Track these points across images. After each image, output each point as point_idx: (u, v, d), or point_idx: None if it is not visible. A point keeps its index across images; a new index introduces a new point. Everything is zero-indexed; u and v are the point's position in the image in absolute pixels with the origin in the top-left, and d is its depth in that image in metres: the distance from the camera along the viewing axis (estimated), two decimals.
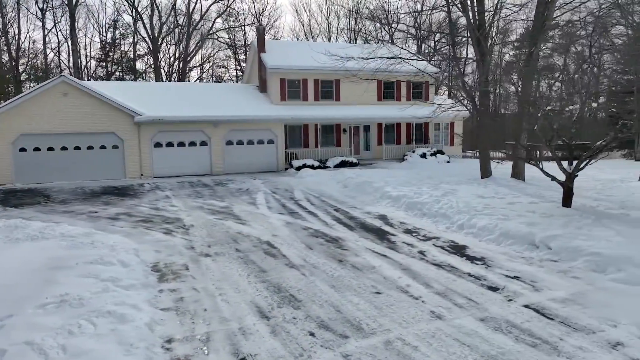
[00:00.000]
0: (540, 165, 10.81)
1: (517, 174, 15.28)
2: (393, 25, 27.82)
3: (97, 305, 5.07)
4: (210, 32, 36.07)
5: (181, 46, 35.76)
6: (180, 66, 35.74)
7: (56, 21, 33.02)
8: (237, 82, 39.64)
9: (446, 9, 15.28)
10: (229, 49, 40.21)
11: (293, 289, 6.40)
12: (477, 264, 7.45)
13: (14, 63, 31.98)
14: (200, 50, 38.35)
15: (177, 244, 8.96)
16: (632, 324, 5.13)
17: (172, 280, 6.84)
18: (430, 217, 10.89)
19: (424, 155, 23.19)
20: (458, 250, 8.29)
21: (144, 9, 34.99)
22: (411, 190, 13.52)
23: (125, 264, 6.79)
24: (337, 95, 24.43)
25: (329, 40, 44.16)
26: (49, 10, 32.72)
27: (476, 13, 14.45)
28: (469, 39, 15.57)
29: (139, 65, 36.83)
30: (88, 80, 33.12)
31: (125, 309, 5.06)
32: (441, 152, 24.21)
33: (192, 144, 21.04)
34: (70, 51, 30.29)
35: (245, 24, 40.04)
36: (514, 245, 8.35)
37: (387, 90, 25.52)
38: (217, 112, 21.00)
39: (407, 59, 16.33)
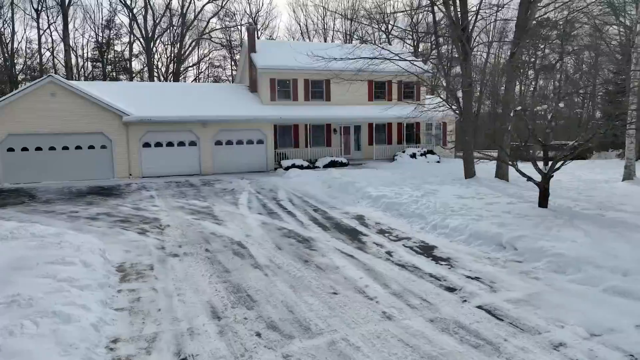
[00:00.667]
0: (517, 166, 10.80)
1: (502, 174, 15.27)
2: (388, 25, 27.84)
3: (45, 305, 5.09)
4: (204, 32, 36.12)
5: (175, 46, 35.89)
6: (175, 66, 35.82)
7: (50, 22, 33.17)
8: (233, 82, 39.70)
9: (430, 9, 15.27)
10: (224, 49, 40.30)
11: (252, 289, 6.42)
12: (442, 264, 7.45)
13: (7, 63, 32.13)
14: (197, 50, 38.48)
15: (149, 244, 9.00)
16: (579, 324, 5.13)
17: (134, 280, 6.87)
18: (406, 217, 10.90)
19: (413, 156, 23.19)
20: (426, 250, 8.29)
21: (140, 10, 34.89)
22: (392, 190, 13.52)
23: (87, 264, 6.82)
24: (328, 96, 24.44)
25: (325, 40, 44.16)
26: (44, 10, 32.86)
27: (459, 13, 14.43)
28: (453, 39, 15.55)
29: (135, 66, 37.08)
30: (85, 80, 33.27)
31: (73, 309, 5.09)
32: (432, 152, 24.20)
33: (181, 144, 21.08)
34: (64, 51, 30.54)
35: (241, 23, 40.11)
36: (482, 246, 8.35)
37: (378, 91, 25.51)
38: (205, 112, 21.04)
39: (391, 58, 16.31)
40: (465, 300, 5.91)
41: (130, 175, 20.13)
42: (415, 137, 26.17)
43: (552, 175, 10.67)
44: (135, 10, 33.33)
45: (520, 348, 4.66)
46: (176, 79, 35.23)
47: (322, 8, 40.16)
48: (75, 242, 8.01)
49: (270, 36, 43.18)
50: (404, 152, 23.73)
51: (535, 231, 8.35)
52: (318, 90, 24.23)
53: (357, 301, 5.94)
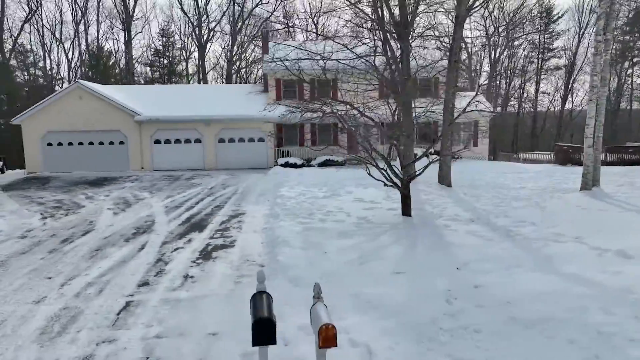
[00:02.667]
0: (370, 170, 10.11)
1: (443, 177, 14.01)
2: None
3: None
4: (256, 34, 38.16)
5: (226, 49, 38.72)
6: (225, 69, 38.64)
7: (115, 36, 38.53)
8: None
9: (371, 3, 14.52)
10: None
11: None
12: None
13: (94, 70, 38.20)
14: (245, 53, 40.87)
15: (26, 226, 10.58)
16: None
17: None
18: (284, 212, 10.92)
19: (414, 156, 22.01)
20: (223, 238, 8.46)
21: (194, 16, 38.35)
22: (307, 190, 13.51)
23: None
24: (335, 95, 24.35)
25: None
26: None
27: (395, 7, 13.60)
28: (393, 34, 14.57)
29: (190, 69, 41.03)
30: (144, 83, 37.77)
31: None
32: (437, 153, 22.68)
33: (187, 141, 23.02)
34: (125, 59, 35.13)
35: (294, 26, 41.35)
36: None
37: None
38: (208, 112, 22.66)
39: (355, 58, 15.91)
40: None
41: (142, 168, 22.65)
42: (432, 137, 24.68)
43: (409, 181, 9.82)
44: (191, 18, 37.04)
45: None
46: (228, 81, 38.03)
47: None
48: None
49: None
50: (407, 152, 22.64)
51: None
52: (325, 89, 24.27)
53: None
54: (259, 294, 3.55)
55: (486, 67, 49.28)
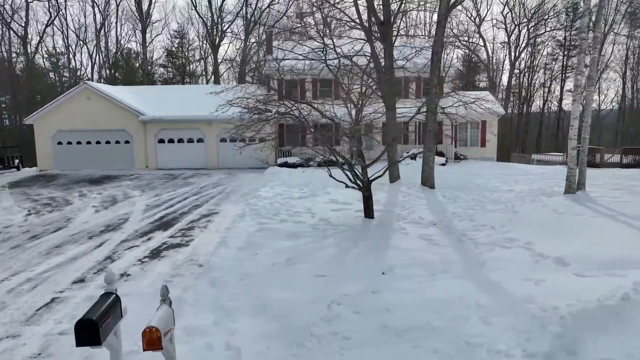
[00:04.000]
0: (347, 170, 10.04)
1: (425, 179, 13.72)
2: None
3: None
4: (260, 37, 38.44)
5: (239, 50, 39.15)
6: (239, 69, 39.09)
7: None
8: None
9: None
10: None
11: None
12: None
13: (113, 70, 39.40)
14: (258, 54, 41.15)
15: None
16: None
17: None
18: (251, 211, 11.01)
19: (413, 157, 21.71)
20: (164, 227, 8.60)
21: (207, 17, 38.91)
22: (287, 190, 13.53)
23: None
24: (337, 95, 24.26)
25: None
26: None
27: (381, 6, 13.43)
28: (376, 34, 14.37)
29: (202, 68, 41.80)
30: (161, 83, 38.64)
31: None
32: (440, 154, 22.32)
33: (190, 140, 23.44)
34: (141, 61, 36.10)
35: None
36: None
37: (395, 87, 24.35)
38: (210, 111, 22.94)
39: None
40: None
41: (147, 167, 23.22)
42: (438, 137, 24.26)
43: (371, 183, 9.71)
44: (205, 17, 37.69)
45: None
46: (241, 81, 38.46)
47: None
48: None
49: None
50: (407, 152, 22.34)
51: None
52: (326, 89, 24.26)
53: None
54: (104, 295, 3.61)
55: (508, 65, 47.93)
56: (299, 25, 20.45)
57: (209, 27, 38.57)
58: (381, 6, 13.60)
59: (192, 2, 46.00)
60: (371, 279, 5.93)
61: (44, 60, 42.96)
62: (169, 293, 3.67)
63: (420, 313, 4.40)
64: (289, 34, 22.16)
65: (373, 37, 14.44)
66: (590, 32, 11.24)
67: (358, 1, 13.97)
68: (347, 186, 9.86)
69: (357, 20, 14.36)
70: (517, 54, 44.15)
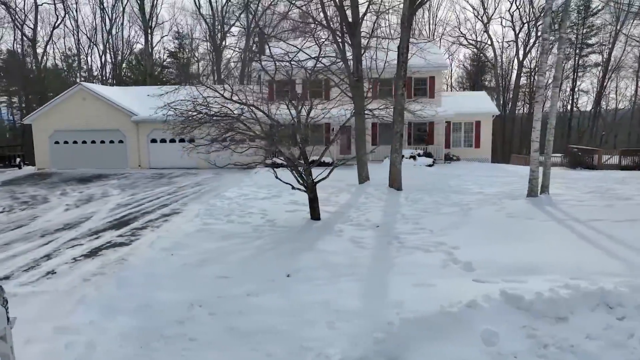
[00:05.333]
0: (292, 171, 10.11)
1: (392, 181, 13.62)
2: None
3: None
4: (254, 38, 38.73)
5: (239, 51, 39.55)
6: (242, 69, 39.50)
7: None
8: None
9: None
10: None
11: None
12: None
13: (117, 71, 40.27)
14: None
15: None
16: None
17: None
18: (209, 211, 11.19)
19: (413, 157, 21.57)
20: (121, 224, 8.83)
21: (209, 18, 39.44)
22: (254, 191, 13.66)
23: None
24: (327, 95, 24.30)
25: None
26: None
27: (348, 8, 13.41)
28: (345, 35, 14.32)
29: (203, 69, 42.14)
30: (161, 83, 39.40)
31: None
32: (429, 155, 22.14)
33: (182, 140, 23.75)
34: (145, 62, 36.92)
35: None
36: None
37: (385, 88, 24.26)
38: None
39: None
40: None
41: (140, 166, 23.70)
42: (428, 138, 24.09)
43: (316, 184, 9.76)
44: (207, 21, 38.22)
45: None
46: (241, 81, 38.87)
47: None
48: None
49: None
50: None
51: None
52: (317, 90, 24.29)
53: None
54: None
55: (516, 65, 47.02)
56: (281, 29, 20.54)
57: (210, 28, 39.22)
58: (349, 7, 13.58)
59: (196, 3, 46.65)
60: (271, 280, 5.99)
61: (59, 61, 44.30)
62: (4, 293, 3.83)
63: (274, 317, 4.45)
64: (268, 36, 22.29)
65: (339, 39, 14.45)
66: (553, 32, 10.99)
67: (326, 2, 13.98)
68: (293, 188, 9.93)
69: (324, 22, 14.38)
70: (525, 53, 43.27)
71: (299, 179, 9.86)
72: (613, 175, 18.62)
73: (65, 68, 45.11)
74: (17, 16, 38.96)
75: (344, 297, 5.11)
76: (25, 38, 39.88)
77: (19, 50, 40.62)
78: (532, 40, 42.99)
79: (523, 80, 46.30)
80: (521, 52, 43.86)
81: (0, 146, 28.74)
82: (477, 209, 10.84)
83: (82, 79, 42.43)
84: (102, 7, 41.04)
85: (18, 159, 25.97)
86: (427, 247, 7.46)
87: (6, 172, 23.78)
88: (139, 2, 37.26)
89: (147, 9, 37.35)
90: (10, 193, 16.16)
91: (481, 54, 45.67)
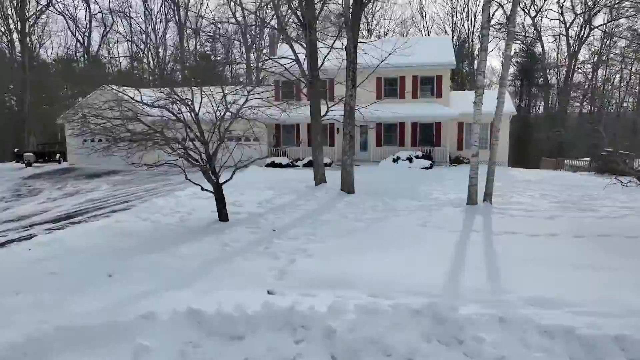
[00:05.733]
0: (216, 173, 10.33)
1: (343, 184, 13.25)
2: None
3: None
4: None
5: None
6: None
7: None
8: None
9: None
10: None
11: None
12: None
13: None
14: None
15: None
16: None
17: None
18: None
19: (395, 160, 20.91)
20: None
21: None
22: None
23: None
24: (331, 94, 24.16)
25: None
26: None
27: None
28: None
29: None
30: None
31: None
32: (428, 157, 21.26)
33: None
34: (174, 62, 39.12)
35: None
36: None
37: (389, 87, 23.66)
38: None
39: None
40: None
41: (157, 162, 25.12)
42: (435, 139, 23.10)
43: (222, 184, 9.90)
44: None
45: None
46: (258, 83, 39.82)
47: None
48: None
49: None
50: (394, 155, 21.66)
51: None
52: (321, 89, 24.21)
53: None
54: None
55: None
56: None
57: (243, 30, 40.59)
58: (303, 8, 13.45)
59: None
60: (90, 280, 6.28)
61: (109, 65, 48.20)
62: None
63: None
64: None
65: (292, 39, 14.36)
66: (490, 26, 10.18)
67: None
68: (202, 189, 10.15)
69: (275, 23, 14.37)
70: (576, 48, 39.83)
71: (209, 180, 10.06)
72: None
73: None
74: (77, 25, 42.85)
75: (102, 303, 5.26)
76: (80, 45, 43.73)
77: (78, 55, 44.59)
78: (585, 34, 39.45)
79: (580, 78, 42.70)
80: (572, 47, 40.37)
81: (44, 143, 31.81)
82: (405, 216, 10.32)
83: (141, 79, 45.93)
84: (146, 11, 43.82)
85: (58, 155, 28.67)
86: (275, 255, 7.29)
87: (44, 167, 26.43)
88: None
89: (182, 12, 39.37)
90: (21, 186, 18.00)
91: (529, 49, 42.68)
